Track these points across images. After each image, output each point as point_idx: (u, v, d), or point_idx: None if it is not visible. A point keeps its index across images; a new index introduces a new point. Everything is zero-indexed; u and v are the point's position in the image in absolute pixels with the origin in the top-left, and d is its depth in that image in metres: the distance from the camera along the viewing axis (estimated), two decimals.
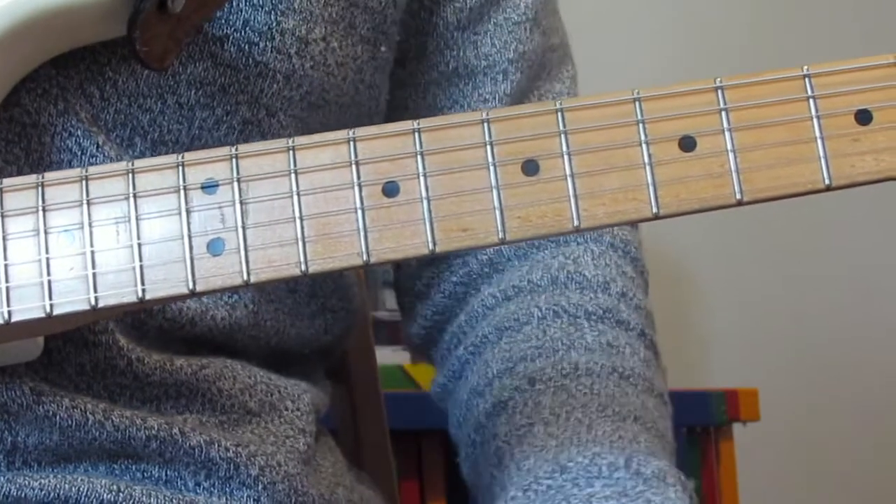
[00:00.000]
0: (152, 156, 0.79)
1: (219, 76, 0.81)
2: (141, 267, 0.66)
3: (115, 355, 0.79)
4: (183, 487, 0.80)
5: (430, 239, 0.66)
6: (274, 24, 0.81)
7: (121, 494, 0.78)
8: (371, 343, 1.17)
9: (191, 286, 0.66)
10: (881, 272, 2.64)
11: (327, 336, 0.94)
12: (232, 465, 0.81)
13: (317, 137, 0.67)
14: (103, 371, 0.79)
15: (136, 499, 0.78)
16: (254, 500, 0.81)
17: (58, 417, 0.76)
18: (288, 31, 0.82)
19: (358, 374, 1.16)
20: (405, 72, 0.95)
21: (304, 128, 0.85)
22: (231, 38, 0.80)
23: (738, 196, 0.65)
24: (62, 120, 0.78)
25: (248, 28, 0.81)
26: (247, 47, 0.81)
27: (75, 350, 0.78)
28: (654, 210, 0.65)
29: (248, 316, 0.85)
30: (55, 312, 0.66)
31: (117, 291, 0.66)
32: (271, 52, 0.82)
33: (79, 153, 0.78)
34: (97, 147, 0.78)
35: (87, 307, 0.66)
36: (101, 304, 0.66)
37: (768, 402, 2.08)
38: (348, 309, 0.95)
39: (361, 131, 0.66)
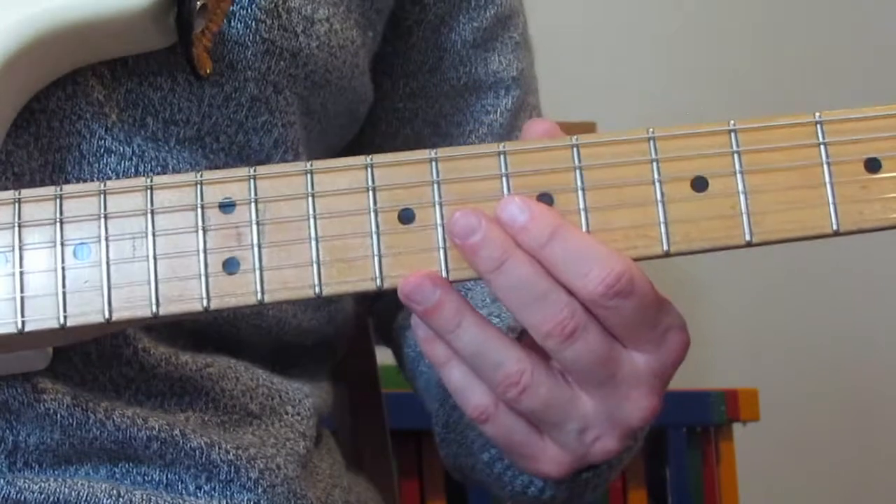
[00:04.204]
0: (164, 136, 0.80)
1: (226, 52, 0.81)
2: (156, 282, 0.67)
3: (122, 343, 0.79)
4: (183, 491, 0.81)
5: (443, 266, 0.66)
6: (280, 2, 0.83)
7: (121, 499, 0.79)
8: (371, 343, 1.17)
9: (205, 303, 0.66)
10: (881, 272, 2.64)
11: (329, 327, 0.94)
12: (232, 467, 0.81)
13: (334, 162, 0.68)
14: (109, 360, 0.79)
15: (136, 503, 0.79)
16: (253, 503, 0.82)
17: (59, 416, 0.77)
18: (294, 9, 0.83)
19: (358, 374, 1.16)
20: (417, 83, 0.97)
21: (306, 107, 0.86)
22: (238, 14, 0.81)
23: (748, 237, 0.65)
24: (71, 104, 0.78)
25: (254, 5, 0.82)
26: (253, 24, 0.82)
27: None
28: (665, 248, 0.66)
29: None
30: (69, 324, 0.67)
31: (131, 305, 0.67)
32: (278, 29, 0.83)
33: (88, 136, 0.79)
34: (106, 130, 0.79)
35: (101, 320, 0.67)
36: (114, 318, 0.67)
37: (768, 402, 2.07)
38: (347, 298, 0.96)
39: (379, 158, 0.67)
